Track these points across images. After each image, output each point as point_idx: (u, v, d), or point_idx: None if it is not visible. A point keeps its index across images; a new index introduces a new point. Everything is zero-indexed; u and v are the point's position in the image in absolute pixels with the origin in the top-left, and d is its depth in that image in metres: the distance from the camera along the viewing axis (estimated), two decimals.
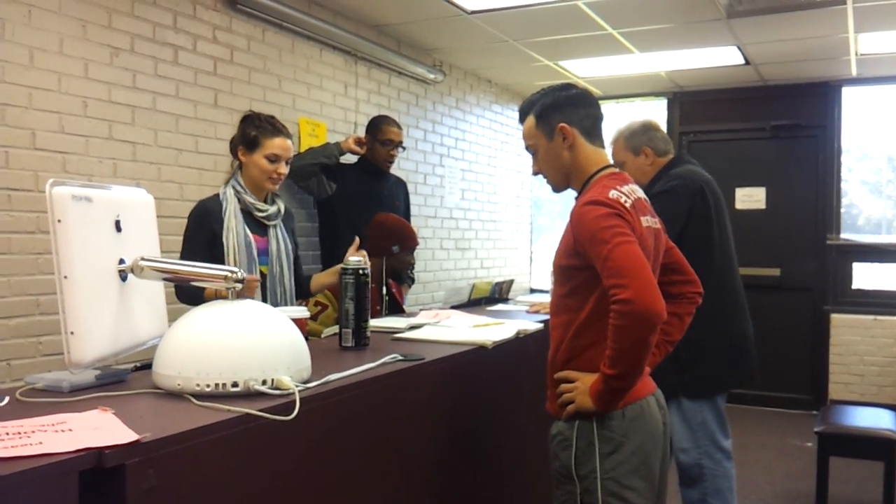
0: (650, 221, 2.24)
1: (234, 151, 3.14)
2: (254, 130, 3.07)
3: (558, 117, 2.25)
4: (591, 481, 2.11)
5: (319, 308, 3.47)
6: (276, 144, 3.06)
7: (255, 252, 3.05)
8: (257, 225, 3.11)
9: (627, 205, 2.11)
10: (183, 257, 3.00)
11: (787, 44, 5.71)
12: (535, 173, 2.37)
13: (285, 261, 3.17)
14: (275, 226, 3.16)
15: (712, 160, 5.69)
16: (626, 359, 1.99)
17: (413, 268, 4.15)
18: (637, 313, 1.93)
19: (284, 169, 3.10)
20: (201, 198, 3.25)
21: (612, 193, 2.12)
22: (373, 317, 3.17)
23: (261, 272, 3.08)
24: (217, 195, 3.09)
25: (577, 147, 2.25)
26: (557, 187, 2.35)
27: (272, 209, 3.14)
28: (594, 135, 2.29)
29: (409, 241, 3.90)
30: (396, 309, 3.97)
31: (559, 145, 2.25)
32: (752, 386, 3.42)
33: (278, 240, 3.16)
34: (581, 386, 2.11)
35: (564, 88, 2.32)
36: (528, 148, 2.35)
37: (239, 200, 3.06)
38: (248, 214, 3.08)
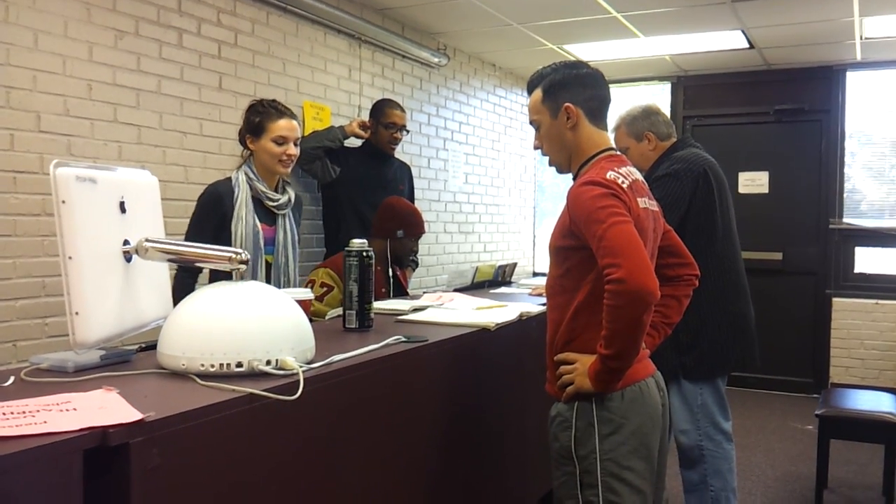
0: (648, 203, 2.24)
1: (242, 142, 3.14)
2: (257, 117, 3.08)
3: (565, 96, 2.24)
4: (590, 462, 2.12)
5: (325, 289, 3.49)
6: (281, 126, 3.06)
7: (262, 242, 3.06)
8: (266, 213, 3.11)
9: (624, 186, 2.12)
10: (189, 240, 3.00)
11: (791, 27, 5.68)
12: (537, 147, 2.37)
13: (290, 250, 3.18)
14: (284, 215, 3.17)
15: (716, 144, 5.69)
16: (620, 338, 1.99)
17: (415, 254, 4.16)
18: (630, 292, 1.93)
19: (294, 150, 3.10)
20: (205, 181, 3.27)
21: (610, 174, 2.12)
22: (378, 299, 3.20)
23: (266, 261, 3.09)
24: (229, 179, 3.10)
25: (579, 128, 2.25)
26: (561, 168, 2.34)
27: (283, 198, 3.15)
28: (599, 117, 2.28)
29: (415, 227, 3.91)
30: (401, 292, 3.98)
31: (562, 124, 2.25)
32: (753, 369, 3.42)
33: (286, 229, 3.16)
34: (580, 367, 2.12)
35: (575, 66, 2.31)
36: (532, 122, 2.34)
37: (251, 188, 3.06)
38: (258, 203, 3.08)
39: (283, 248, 3.15)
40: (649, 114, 3.43)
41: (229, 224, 3.01)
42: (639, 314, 1.96)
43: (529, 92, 2.34)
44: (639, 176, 2.27)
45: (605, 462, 2.11)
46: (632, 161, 3.37)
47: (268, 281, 3.10)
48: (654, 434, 2.20)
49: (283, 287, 3.15)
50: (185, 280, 2.99)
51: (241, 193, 3.04)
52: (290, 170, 3.15)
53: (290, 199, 3.19)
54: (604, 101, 2.30)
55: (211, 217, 3.03)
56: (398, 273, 3.99)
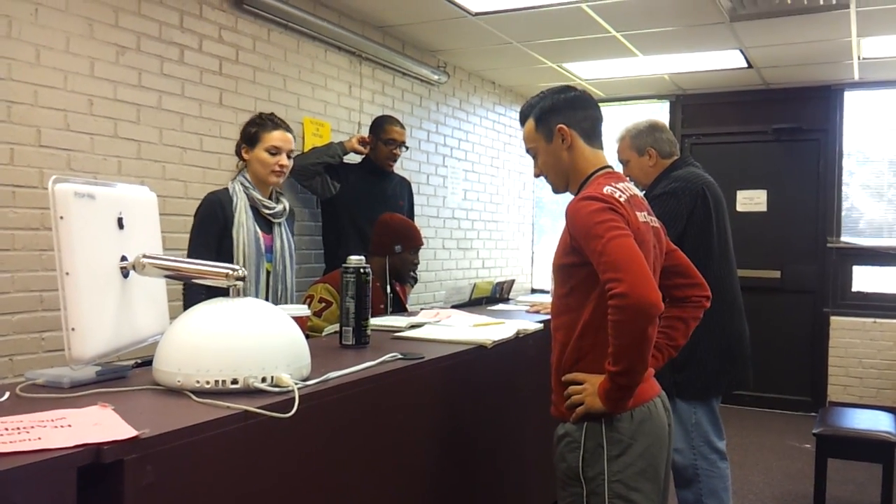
0: (647, 218, 2.24)
1: (238, 153, 3.19)
2: (253, 128, 3.14)
3: (557, 119, 2.26)
4: (598, 483, 2.10)
5: (324, 305, 3.50)
6: (275, 137, 3.11)
7: (263, 248, 3.09)
8: (263, 222, 3.15)
9: (622, 199, 2.12)
10: (192, 249, 3.05)
11: (789, 47, 5.71)
12: (537, 175, 2.39)
13: (288, 259, 3.20)
14: (279, 224, 3.20)
15: (714, 163, 5.70)
16: (627, 353, 1.98)
17: (416, 268, 4.16)
18: (632, 306, 1.93)
19: (286, 161, 3.14)
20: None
21: (607, 189, 2.13)
22: (378, 315, 3.21)
23: (266, 270, 3.11)
24: (226, 189, 3.13)
25: (575, 149, 2.26)
26: (558, 188, 2.36)
27: (279, 207, 3.19)
28: (593, 136, 2.30)
29: (412, 240, 3.91)
30: (400, 308, 3.98)
31: (558, 147, 2.26)
32: (748, 387, 3.42)
33: (282, 238, 3.19)
34: (590, 388, 2.10)
35: (563, 91, 2.32)
36: (528, 151, 2.36)
37: (247, 196, 3.09)
38: (255, 211, 3.12)
39: (280, 256, 3.18)
40: (654, 130, 3.44)
41: (230, 231, 3.04)
42: (643, 327, 1.95)
43: (522, 123, 2.37)
44: (637, 191, 2.28)
45: (613, 484, 2.09)
46: (631, 174, 3.40)
47: (266, 288, 3.12)
48: (661, 455, 2.19)
49: (281, 295, 3.17)
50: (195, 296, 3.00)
51: (240, 201, 3.07)
52: (282, 181, 3.19)
53: (285, 208, 3.22)
54: (596, 121, 2.31)
55: (213, 224, 3.05)
56: (398, 289, 3.99)
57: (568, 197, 2.34)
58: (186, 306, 2.92)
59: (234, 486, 1.62)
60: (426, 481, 2.44)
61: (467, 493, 2.69)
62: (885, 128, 6.84)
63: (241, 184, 3.11)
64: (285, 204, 3.24)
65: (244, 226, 3.04)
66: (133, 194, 2.10)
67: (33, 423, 1.44)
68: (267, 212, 3.15)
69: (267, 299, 3.08)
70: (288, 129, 3.18)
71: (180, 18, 3.93)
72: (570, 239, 2.14)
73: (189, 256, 3.01)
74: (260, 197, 3.12)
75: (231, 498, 1.61)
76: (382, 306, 3.79)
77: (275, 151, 3.10)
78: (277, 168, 3.12)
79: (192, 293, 2.98)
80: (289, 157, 3.16)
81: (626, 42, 5.58)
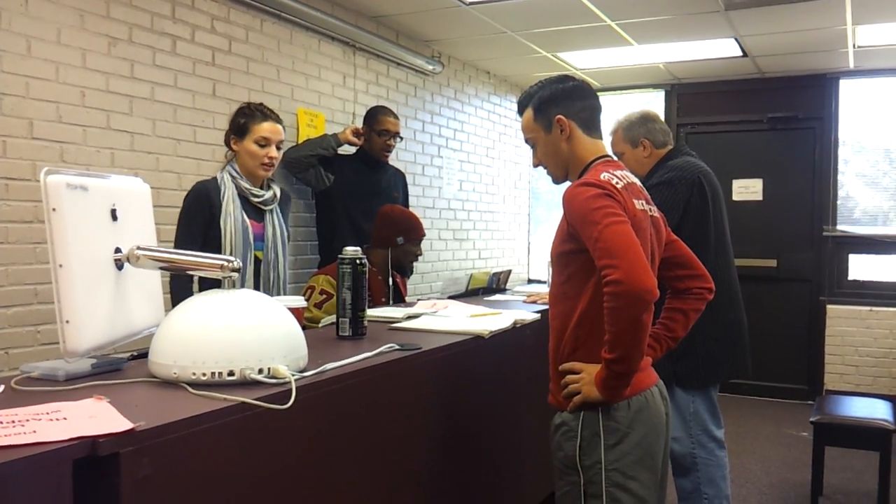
0: (646, 206, 2.24)
1: (227, 142, 3.19)
2: (243, 118, 3.14)
3: (555, 110, 2.25)
4: (595, 472, 2.10)
5: (325, 296, 3.48)
6: (264, 128, 3.11)
7: (251, 237, 3.08)
8: (254, 210, 3.14)
9: (619, 186, 2.12)
10: (179, 238, 3.06)
11: (784, 36, 5.70)
12: (536, 165, 2.38)
13: (280, 247, 3.19)
14: (271, 211, 3.19)
15: (710, 152, 5.70)
16: (623, 340, 1.98)
17: (418, 259, 4.15)
18: (627, 293, 1.92)
19: (275, 153, 3.14)
20: None
21: (604, 175, 2.13)
22: (377, 306, 3.19)
23: (256, 257, 3.11)
24: (214, 178, 3.13)
25: (574, 139, 2.26)
26: (558, 179, 2.36)
27: (268, 194, 3.18)
28: (592, 127, 2.29)
29: (414, 232, 3.90)
30: (400, 300, 3.97)
31: (557, 137, 2.26)
32: (748, 376, 3.42)
33: (274, 225, 3.18)
34: (587, 377, 2.11)
35: (562, 80, 2.32)
36: (527, 141, 2.35)
37: (236, 186, 3.09)
38: (244, 199, 3.11)
39: (272, 243, 3.17)
40: (646, 120, 3.43)
41: (218, 220, 3.03)
42: (638, 314, 1.95)
43: (520, 113, 2.36)
44: (635, 180, 2.28)
45: (609, 472, 2.09)
46: (627, 166, 3.38)
47: (257, 277, 3.11)
48: (658, 443, 2.19)
49: (274, 283, 3.16)
50: (182, 286, 2.99)
51: (228, 190, 3.08)
52: (271, 173, 3.18)
53: (275, 195, 3.22)
54: (595, 111, 2.31)
55: (199, 213, 3.05)
56: (398, 280, 3.97)
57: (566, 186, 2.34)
58: (174, 296, 2.92)
59: (231, 477, 1.61)
60: (423, 471, 2.43)
61: (465, 482, 2.68)
62: (880, 116, 6.84)
63: (230, 173, 3.11)
64: (276, 190, 3.23)
65: (231, 215, 3.04)
66: (126, 186, 2.08)
67: (28, 417, 1.42)
68: (256, 200, 3.14)
69: (257, 288, 3.07)
70: (277, 119, 3.17)
71: (172, 9, 3.90)
72: (567, 226, 2.14)
73: (175, 246, 3.01)
74: (248, 186, 3.12)
75: (228, 490, 1.60)
76: (384, 299, 3.78)
77: (264, 143, 3.10)
78: (267, 160, 3.12)
79: (179, 283, 2.98)
80: (278, 148, 3.16)
81: (620, 31, 5.56)
